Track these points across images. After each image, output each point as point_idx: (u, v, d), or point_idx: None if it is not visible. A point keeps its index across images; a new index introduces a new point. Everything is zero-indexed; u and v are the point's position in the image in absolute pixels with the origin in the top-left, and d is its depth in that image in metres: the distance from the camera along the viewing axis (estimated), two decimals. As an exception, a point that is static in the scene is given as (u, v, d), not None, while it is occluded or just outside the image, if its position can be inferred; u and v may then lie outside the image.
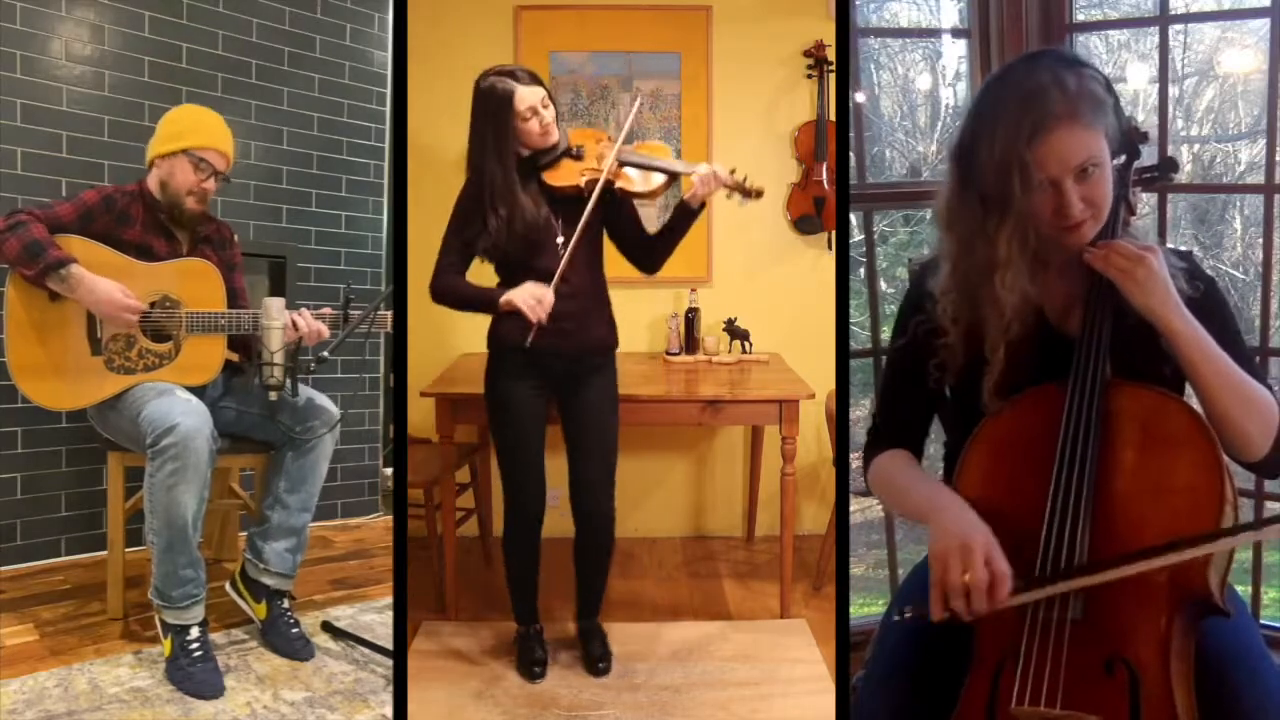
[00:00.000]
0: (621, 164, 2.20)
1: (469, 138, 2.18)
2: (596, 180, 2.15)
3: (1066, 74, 1.17)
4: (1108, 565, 1.10)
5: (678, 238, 2.29)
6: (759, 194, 2.19)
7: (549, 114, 2.15)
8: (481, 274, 2.28)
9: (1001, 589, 1.11)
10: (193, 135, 2.30)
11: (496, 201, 2.14)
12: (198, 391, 2.26)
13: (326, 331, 2.26)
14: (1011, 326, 1.26)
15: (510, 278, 2.23)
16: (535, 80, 2.14)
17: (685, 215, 2.24)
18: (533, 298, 2.10)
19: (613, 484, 2.35)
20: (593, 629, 2.47)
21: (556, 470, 2.37)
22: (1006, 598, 1.11)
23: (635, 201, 2.31)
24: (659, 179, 2.20)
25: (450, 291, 2.21)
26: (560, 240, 2.19)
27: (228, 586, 2.40)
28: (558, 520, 2.43)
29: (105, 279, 2.16)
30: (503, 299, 2.13)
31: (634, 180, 2.20)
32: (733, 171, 2.20)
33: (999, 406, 1.27)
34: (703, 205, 2.21)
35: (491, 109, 2.11)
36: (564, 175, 2.18)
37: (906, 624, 1.21)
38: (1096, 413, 1.19)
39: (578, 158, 2.20)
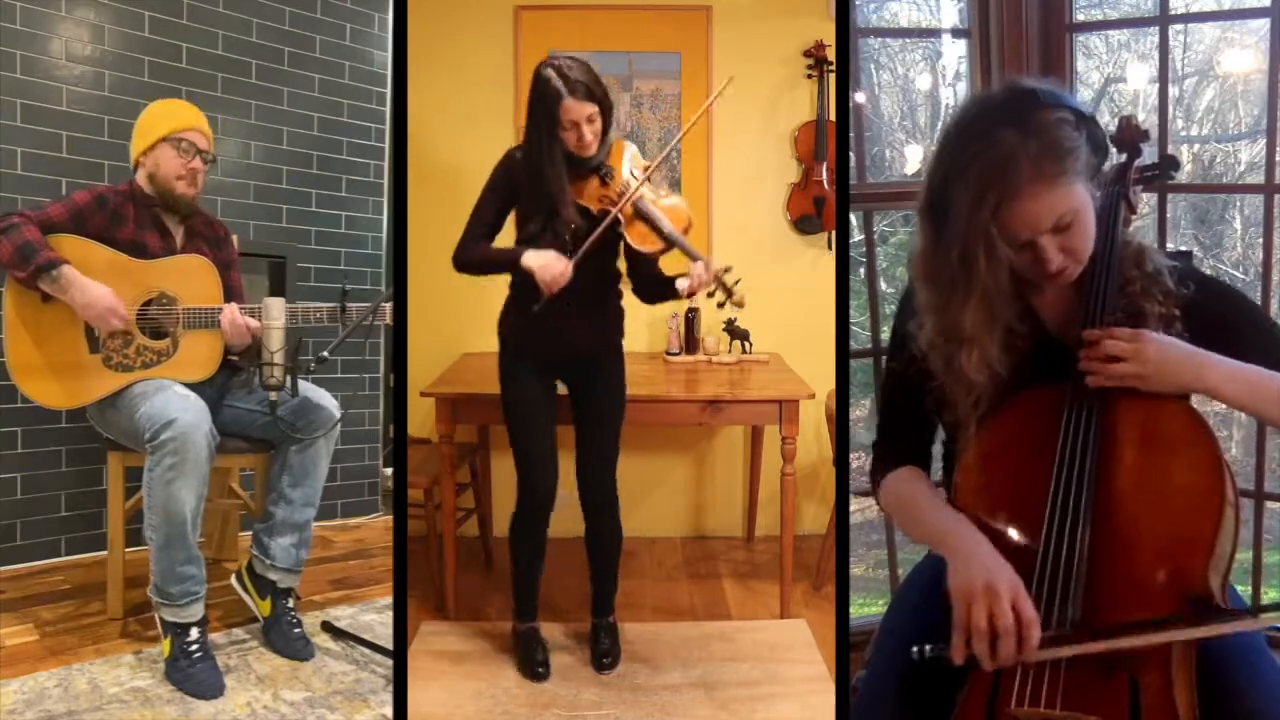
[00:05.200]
0: (635, 209, 2.16)
1: (527, 116, 2.18)
2: (607, 212, 2.15)
3: (1030, 131, 1.12)
4: (1107, 634, 1.08)
5: (668, 300, 2.31)
6: (740, 304, 2.16)
7: (590, 131, 2.12)
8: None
9: (1031, 636, 1.07)
10: (167, 121, 2.33)
11: (542, 179, 2.15)
12: (197, 389, 2.26)
13: (252, 327, 2.22)
14: (981, 402, 1.25)
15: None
16: (589, 95, 2.09)
17: (674, 294, 2.24)
18: (550, 270, 2.10)
19: (612, 472, 2.37)
20: (603, 626, 2.48)
21: (566, 468, 2.38)
22: (1036, 646, 1.07)
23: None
24: (658, 244, 2.16)
25: (474, 257, 2.22)
26: (569, 243, 2.19)
27: (233, 581, 2.40)
28: (563, 519, 2.42)
29: (97, 283, 2.17)
30: (524, 260, 2.13)
31: (636, 233, 2.16)
32: (728, 270, 2.15)
33: (999, 409, 1.27)
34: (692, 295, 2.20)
35: (543, 103, 2.11)
36: (586, 193, 2.18)
37: (926, 661, 1.15)
38: (1096, 414, 1.18)
39: (604, 181, 2.19)
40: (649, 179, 2.19)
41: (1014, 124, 1.13)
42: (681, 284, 2.16)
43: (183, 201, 2.34)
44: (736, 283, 2.16)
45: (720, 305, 2.17)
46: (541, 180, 2.15)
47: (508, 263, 2.20)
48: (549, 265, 2.11)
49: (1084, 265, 1.21)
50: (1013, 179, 1.12)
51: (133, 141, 2.37)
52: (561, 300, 2.14)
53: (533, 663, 2.37)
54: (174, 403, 2.13)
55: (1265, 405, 1.16)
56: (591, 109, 2.10)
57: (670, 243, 2.15)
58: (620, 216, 2.14)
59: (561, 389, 2.40)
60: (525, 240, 2.20)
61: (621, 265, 2.35)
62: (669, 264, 2.28)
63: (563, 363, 2.32)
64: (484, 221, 2.24)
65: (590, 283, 2.22)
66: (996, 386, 1.26)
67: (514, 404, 2.32)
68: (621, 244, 2.28)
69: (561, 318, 2.19)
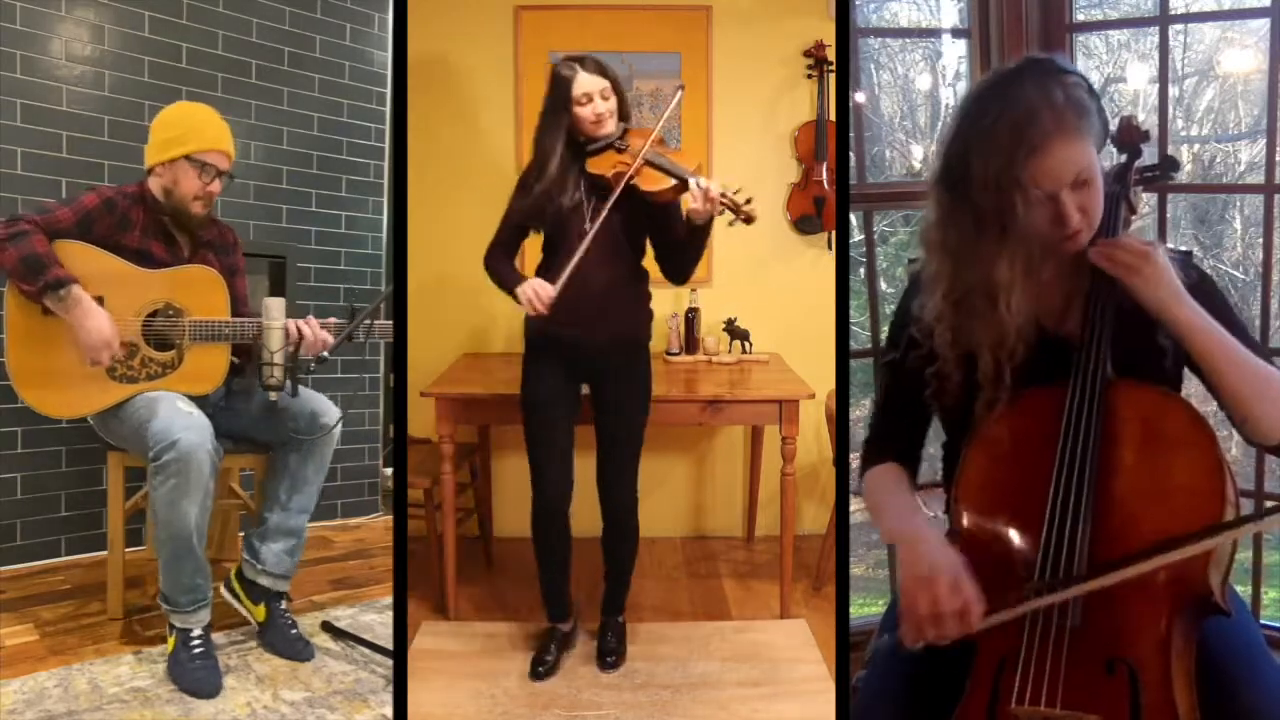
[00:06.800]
0: (647, 162, 2.21)
1: (539, 115, 2.27)
2: (622, 174, 2.18)
3: (1052, 87, 1.16)
4: (1102, 571, 1.09)
5: (696, 251, 2.30)
6: (750, 219, 2.18)
7: (605, 105, 2.19)
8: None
9: (970, 616, 1.11)
10: (193, 139, 2.26)
11: (541, 175, 2.22)
12: (199, 397, 2.25)
13: (331, 340, 2.22)
14: (1016, 350, 1.26)
15: (548, 252, 2.33)
16: (601, 71, 2.19)
17: (693, 231, 2.25)
18: (530, 291, 2.16)
19: (633, 475, 2.37)
20: (609, 625, 2.48)
21: (589, 469, 2.39)
22: (977, 623, 1.12)
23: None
24: (667, 180, 2.21)
25: (491, 268, 2.33)
26: (588, 227, 2.21)
27: (223, 589, 2.38)
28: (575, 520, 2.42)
29: (102, 311, 2.12)
30: (516, 289, 2.21)
31: (647, 179, 2.21)
32: (737, 192, 2.18)
33: (999, 409, 1.27)
34: (711, 219, 2.20)
35: (554, 90, 2.21)
36: (601, 164, 2.23)
37: (885, 651, 1.22)
38: (1097, 413, 1.18)
39: (620, 150, 2.24)
40: (660, 139, 2.26)
41: (1034, 84, 1.17)
42: (686, 211, 2.20)
43: (195, 220, 2.31)
44: (749, 201, 2.18)
45: (731, 223, 2.20)
46: (540, 153, 2.23)
47: (507, 289, 2.27)
48: (528, 288, 2.16)
49: (1094, 231, 1.22)
50: (1037, 131, 1.15)
51: (152, 145, 2.29)
52: (586, 298, 2.19)
53: (537, 662, 2.37)
54: (177, 421, 2.10)
55: (1220, 351, 1.17)
56: (604, 83, 2.19)
57: (677, 176, 2.21)
58: (634, 171, 2.19)
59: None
60: (530, 214, 2.28)
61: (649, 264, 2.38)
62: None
63: (587, 361, 2.31)
64: (508, 229, 2.34)
65: (618, 280, 2.26)
66: (1034, 337, 1.26)
67: (533, 404, 2.33)
68: (646, 237, 2.34)
69: (588, 314, 2.21)
